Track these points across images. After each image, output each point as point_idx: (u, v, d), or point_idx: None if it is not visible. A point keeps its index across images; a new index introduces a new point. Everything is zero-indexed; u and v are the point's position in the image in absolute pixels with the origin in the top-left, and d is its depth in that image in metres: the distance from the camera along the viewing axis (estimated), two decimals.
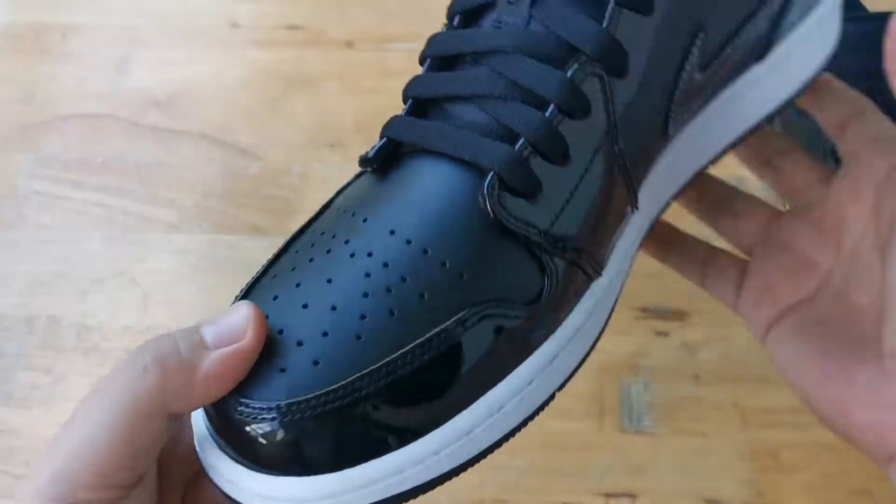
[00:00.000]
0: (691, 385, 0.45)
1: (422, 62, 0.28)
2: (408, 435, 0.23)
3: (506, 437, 0.26)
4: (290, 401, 0.22)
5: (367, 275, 0.23)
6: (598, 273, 0.28)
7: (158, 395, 0.22)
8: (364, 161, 0.27)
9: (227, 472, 0.23)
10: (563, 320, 0.27)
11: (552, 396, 0.28)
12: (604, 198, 0.27)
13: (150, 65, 0.59)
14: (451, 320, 0.23)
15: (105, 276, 0.50)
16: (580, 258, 0.27)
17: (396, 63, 0.58)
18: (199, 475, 0.27)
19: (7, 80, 0.58)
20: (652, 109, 0.28)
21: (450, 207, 0.25)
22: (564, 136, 0.26)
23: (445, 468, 0.24)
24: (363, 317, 0.23)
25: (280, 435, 0.22)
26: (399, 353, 0.22)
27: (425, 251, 0.24)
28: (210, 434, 0.24)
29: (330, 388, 0.22)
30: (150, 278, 0.50)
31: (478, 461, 0.25)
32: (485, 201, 0.24)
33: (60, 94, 0.57)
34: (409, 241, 0.24)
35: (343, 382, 0.22)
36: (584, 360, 0.29)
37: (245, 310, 0.23)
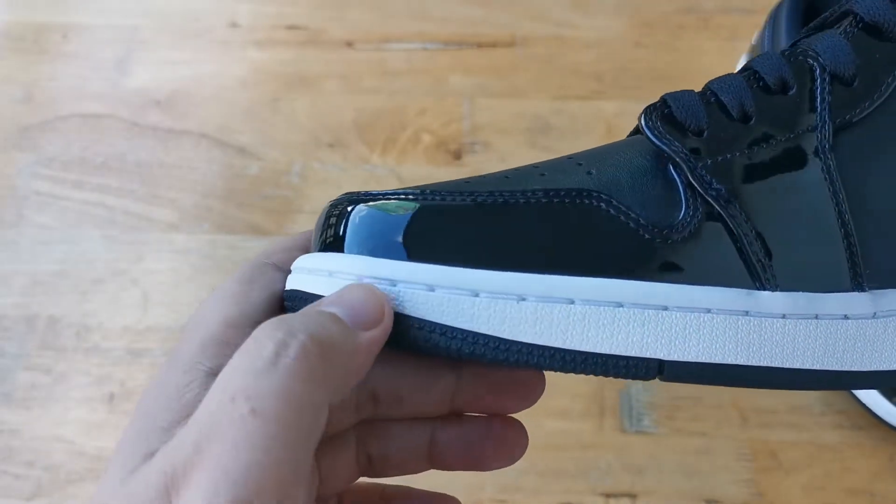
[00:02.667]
0: (691, 385, 0.45)
1: None
2: (484, 258, 0.23)
3: (544, 355, 0.23)
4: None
5: (514, 169, 0.26)
6: (767, 275, 0.25)
7: (327, 380, 0.20)
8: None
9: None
10: (693, 283, 0.24)
11: (617, 361, 0.23)
12: (796, 197, 0.25)
13: (150, 65, 0.59)
14: (565, 188, 0.24)
15: (105, 276, 0.50)
16: (731, 221, 0.24)
17: (396, 63, 0.58)
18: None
19: (7, 80, 0.58)
20: None
21: (618, 144, 0.27)
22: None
23: (486, 318, 0.23)
24: (482, 178, 0.25)
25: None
26: (503, 189, 0.24)
27: (570, 157, 0.26)
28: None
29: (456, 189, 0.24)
30: (150, 278, 0.50)
31: (510, 358, 0.23)
32: (644, 118, 0.26)
33: (60, 94, 0.57)
34: (569, 157, 0.26)
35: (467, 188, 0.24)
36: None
37: (374, 293, 0.22)
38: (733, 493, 0.42)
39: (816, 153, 0.26)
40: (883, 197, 0.26)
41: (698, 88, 0.28)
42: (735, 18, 0.59)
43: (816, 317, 0.25)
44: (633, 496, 0.42)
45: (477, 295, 0.23)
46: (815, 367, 0.25)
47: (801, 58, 0.27)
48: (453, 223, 0.23)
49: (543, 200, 0.24)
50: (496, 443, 0.27)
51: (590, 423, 0.44)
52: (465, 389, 0.27)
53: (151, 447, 0.20)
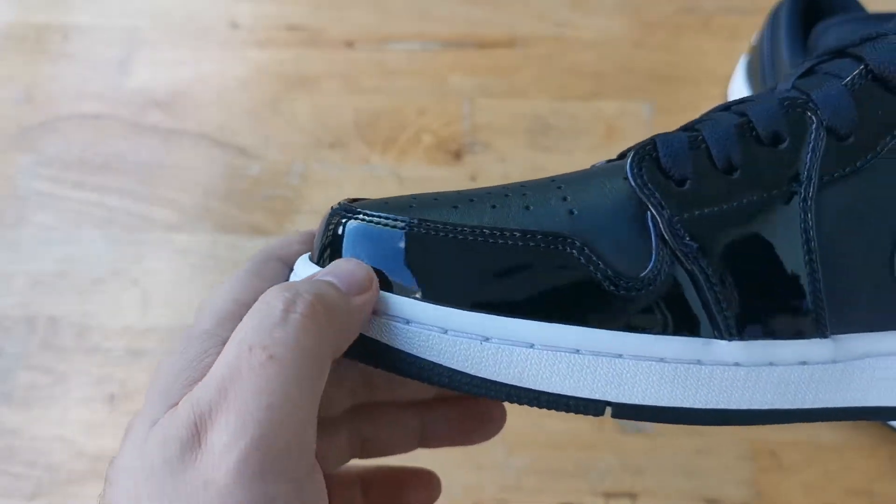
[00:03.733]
0: None
1: None
2: (456, 296, 0.25)
3: (512, 392, 0.25)
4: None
5: (504, 190, 0.27)
6: (730, 332, 0.25)
7: (333, 334, 0.23)
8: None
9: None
10: (652, 332, 0.25)
11: (588, 403, 0.25)
12: (770, 252, 0.26)
13: (150, 65, 0.59)
14: (542, 231, 0.25)
15: (105, 276, 0.50)
16: (700, 275, 0.25)
17: (396, 63, 0.58)
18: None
19: (7, 80, 0.58)
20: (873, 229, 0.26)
21: (605, 170, 0.27)
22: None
23: (452, 354, 0.24)
24: (471, 200, 0.26)
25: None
26: (485, 226, 0.25)
27: (553, 180, 0.27)
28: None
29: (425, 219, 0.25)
30: (150, 278, 0.50)
31: (473, 390, 0.25)
32: (630, 162, 0.26)
33: (60, 94, 0.57)
34: (553, 179, 0.27)
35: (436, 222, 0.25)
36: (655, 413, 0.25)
37: (361, 265, 0.24)
38: (733, 493, 0.42)
39: (797, 210, 0.25)
40: (857, 254, 0.26)
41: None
42: (735, 18, 0.59)
43: (771, 364, 0.26)
44: (633, 496, 0.42)
45: (446, 332, 0.24)
46: (765, 408, 0.26)
47: (799, 110, 0.26)
48: (432, 258, 0.25)
49: (520, 244, 0.25)
50: (479, 419, 0.29)
51: (590, 423, 0.44)
52: None
53: (173, 401, 0.22)
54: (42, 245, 0.51)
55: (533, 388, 0.24)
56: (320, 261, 0.26)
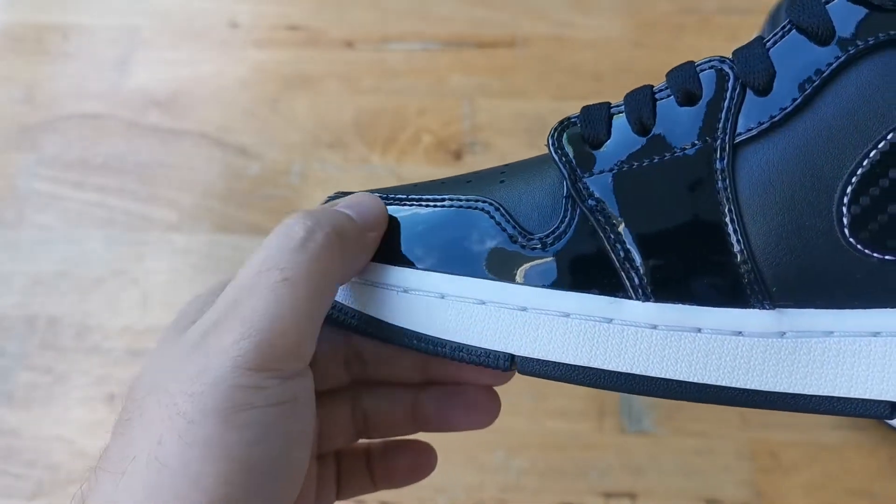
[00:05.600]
0: None
1: None
2: (391, 255, 0.27)
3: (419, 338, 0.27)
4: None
5: (463, 175, 0.29)
6: (644, 292, 0.25)
7: (345, 263, 0.25)
8: None
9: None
10: (556, 288, 0.26)
11: (484, 353, 0.26)
12: (686, 211, 0.25)
13: (150, 65, 0.59)
14: (465, 196, 0.27)
15: (105, 276, 0.50)
16: (609, 232, 0.25)
17: (396, 63, 0.58)
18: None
19: (7, 80, 0.58)
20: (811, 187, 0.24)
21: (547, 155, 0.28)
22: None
23: (375, 304, 0.27)
24: (432, 181, 0.29)
25: None
26: (427, 195, 0.28)
27: (506, 167, 0.29)
28: None
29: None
30: (150, 278, 0.50)
31: (393, 339, 0.27)
32: (552, 129, 0.27)
33: (60, 94, 0.57)
34: (506, 166, 0.29)
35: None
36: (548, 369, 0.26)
37: (378, 203, 0.27)
38: (733, 493, 0.42)
39: (714, 165, 0.25)
40: (793, 215, 0.24)
41: None
42: (735, 18, 0.59)
43: (699, 330, 0.25)
44: (633, 496, 0.42)
45: (374, 286, 0.27)
46: (690, 380, 0.25)
47: (717, 66, 0.26)
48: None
49: (447, 206, 0.27)
50: (471, 408, 0.30)
51: (590, 423, 0.44)
52: (433, 362, 0.30)
53: (193, 320, 0.24)
54: (42, 245, 0.51)
55: (442, 336, 0.26)
56: None
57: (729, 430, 0.44)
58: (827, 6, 0.25)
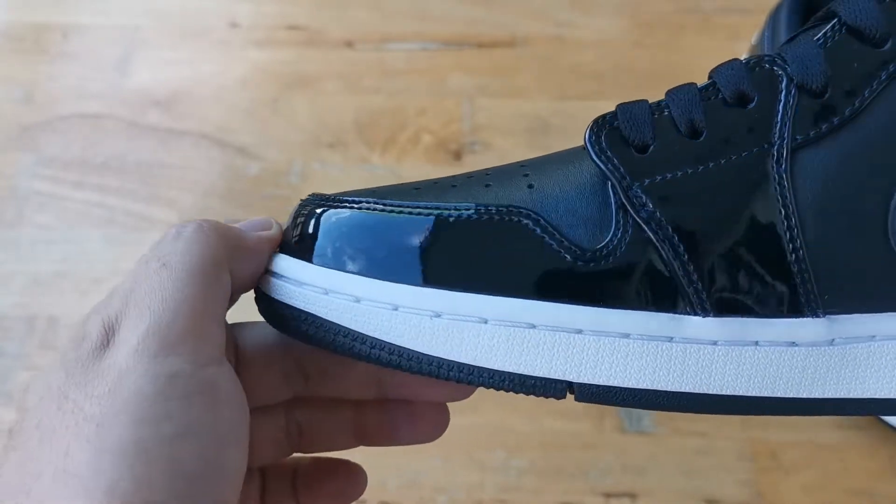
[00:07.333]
0: None
1: None
2: (407, 272, 0.24)
3: (476, 374, 0.24)
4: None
5: (469, 174, 0.27)
6: (704, 307, 0.24)
7: (222, 248, 0.25)
8: None
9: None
10: (613, 307, 0.24)
11: (528, 381, 0.24)
12: (742, 219, 0.24)
13: (150, 65, 0.59)
14: (497, 204, 0.24)
15: (105, 276, 0.50)
16: (665, 244, 0.24)
17: (396, 63, 0.58)
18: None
19: (7, 80, 0.58)
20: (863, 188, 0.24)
21: (572, 150, 0.27)
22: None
23: (402, 332, 0.24)
24: (435, 183, 0.26)
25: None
26: (446, 203, 0.25)
27: (522, 164, 0.26)
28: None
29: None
30: None
31: (423, 370, 0.24)
32: (588, 131, 0.25)
33: (60, 94, 0.57)
34: (521, 164, 0.27)
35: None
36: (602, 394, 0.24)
37: (265, 216, 0.28)
38: (733, 493, 0.42)
39: (771, 172, 0.24)
40: (844, 221, 0.24)
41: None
42: (735, 18, 0.59)
43: (756, 343, 0.24)
44: (633, 496, 0.42)
45: (396, 309, 0.24)
46: (753, 394, 0.24)
47: (767, 66, 0.25)
48: (380, 235, 0.25)
49: (474, 217, 0.24)
50: (418, 421, 0.29)
51: (590, 423, 0.44)
52: (387, 375, 0.28)
53: (84, 335, 0.23)
54: (42, 245, 0.51)
55: (486, 366, 0.23)
56: (287, 249, 0.26)
57: (729, 430, 0.44)
58: (880, 5, 0.24)
